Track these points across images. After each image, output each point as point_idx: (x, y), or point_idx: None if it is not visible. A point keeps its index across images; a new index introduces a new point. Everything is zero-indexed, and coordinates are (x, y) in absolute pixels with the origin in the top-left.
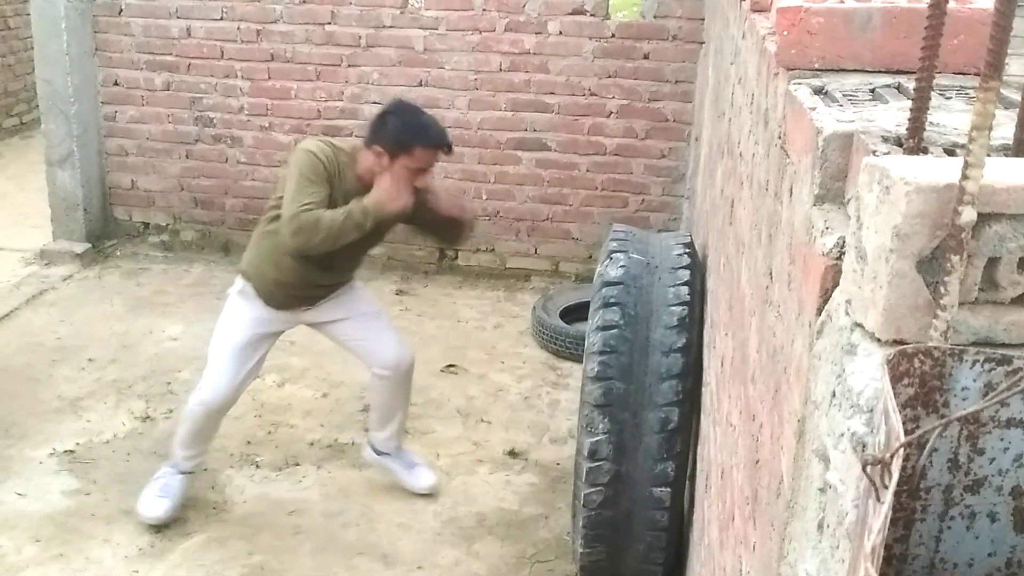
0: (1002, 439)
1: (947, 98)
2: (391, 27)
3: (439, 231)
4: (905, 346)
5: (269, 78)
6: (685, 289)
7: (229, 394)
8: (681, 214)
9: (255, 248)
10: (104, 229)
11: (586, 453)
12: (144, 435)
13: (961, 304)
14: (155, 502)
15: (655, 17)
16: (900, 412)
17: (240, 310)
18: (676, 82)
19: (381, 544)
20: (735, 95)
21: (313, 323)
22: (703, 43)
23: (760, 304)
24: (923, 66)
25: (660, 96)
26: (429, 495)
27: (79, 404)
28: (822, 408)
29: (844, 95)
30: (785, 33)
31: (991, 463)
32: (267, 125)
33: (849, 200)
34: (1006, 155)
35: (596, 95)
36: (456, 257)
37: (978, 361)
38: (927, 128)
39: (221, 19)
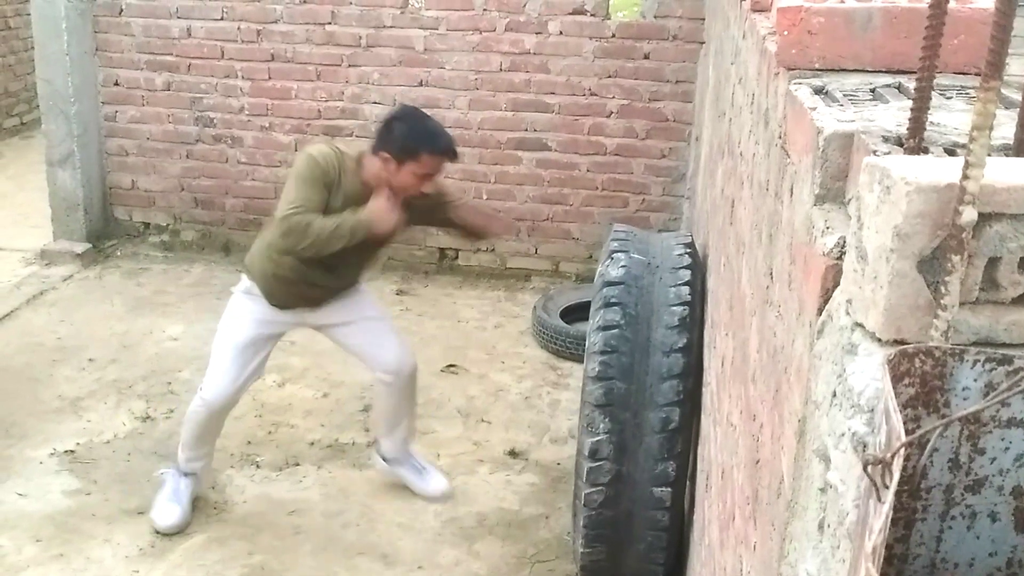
0: (1003, 439)
1: (948, 98)
2: (391, 27)
3: (462, 234)
4: (906, 346)
5: (269, 78)
6: (686, 289)
7: (231, 394)
8: (681, 214)
9: (261, 247)
10: (104, 229)
11: (587, 453)
12: (144, 435)
13: (962, 304)
14: (168, 509)
15: (655, 17)
16: (901, 412)
17: (244, 309)
18: (676, 82)
19: (381, 544)
20: (735, 95)
21: (317, 325)
22: (703, 43)
23: (761, 304)
24: (924, 66)
25: (660, 96)
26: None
27: (79, 404)
28: (823, 408)
29: (845, 95)
30: (785, 33)
31: (992, 463)
32: (267, 125)
33: (850, 200)
34: (1007, 155)
35: (596, 95)
36: (456, 257)
37: (979, 361)
38: (928, 128)
39: (221, 19)
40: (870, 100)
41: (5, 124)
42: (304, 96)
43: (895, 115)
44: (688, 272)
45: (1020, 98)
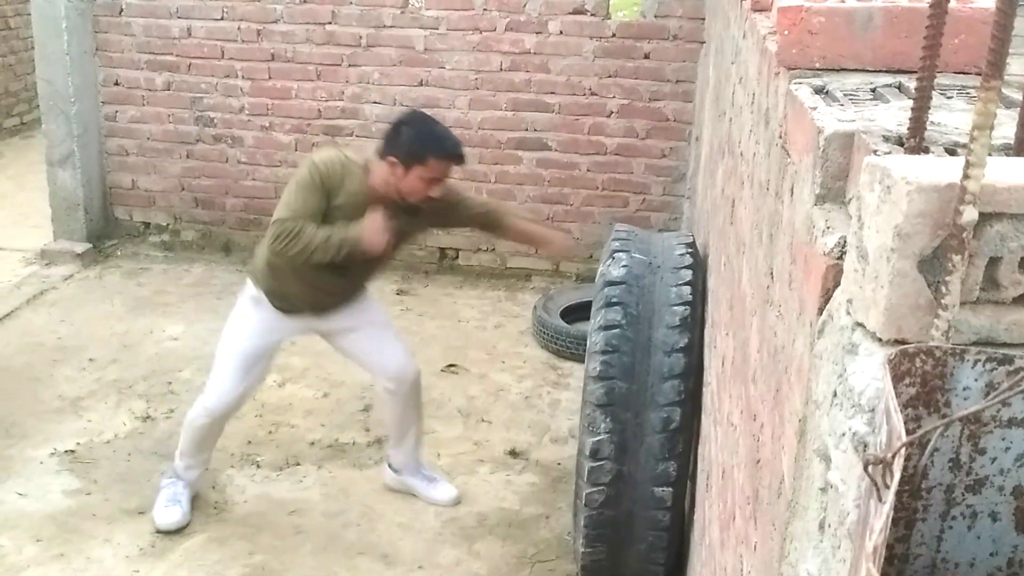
0: (1003, 439)
1: (948, 97)
2: (392, 27)
3: (515, 241)
4: (906, 346)
5: (270, 78)
6: (687, 289)
7: (234, 402)
8: (682, 214)
9: (264, 252)
10: (105, 229)
11: (588, 452)
12: (145, 435)
13: (962, 304)
14: (168, 510)
15: (656, 17)
16: (901, 412)
17: (251, 319)
18: (677, 82)
19: (382, 544)
20: (736, 95)
21: (322, 331)
22: (704, 43)
23: (761, 304)
24: (924, 65)
25: (661, 96)
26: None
27: (80, 404)
28: (823, 408)
29: (845, 95)
30: (786, 32)
31: (992, 463)
32: (268, 125)
33: (850, 200)
34: (1007, 155)
35: (597, 95)
36: (457, 257)
37: (979, 361)
38: (928, 127)
39: (222, 19)
40: (871, 100)
41: (5, 124)
42: (304, 96)
43: (896, 115)
44: (689, 272)
45: (1021, 98)
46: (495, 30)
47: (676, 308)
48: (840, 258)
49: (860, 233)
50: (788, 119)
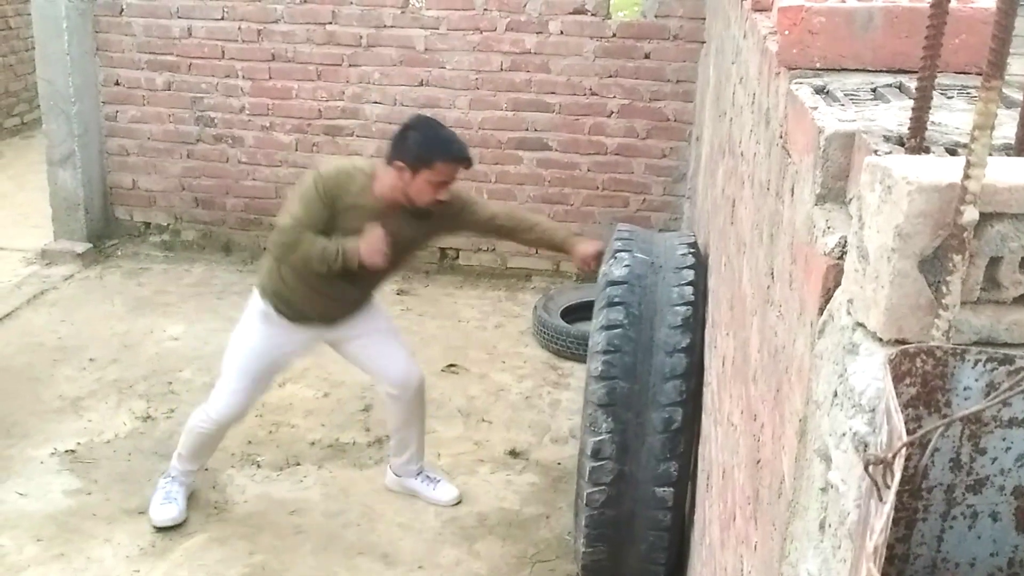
0: (1004, 439)
1: (949, 97)
2: (392, 27)
3: (540, 246)
4: (907, 346)
5: (270, 78)
6: (689, 289)
7: (239, 413)
8: (682, 214)
9: (271, 263)
10: (105, 229)
11: (589, 452)
12: (145, 435)
13: (963, 304)
14: (164, 508)
15: (656, 17)
16: (902, 412)
17: (260, 335)
18: (677, 82)
19: (382, 544)
20: (736, 95)
21: (330, 340)
22: (704, 43)
23: (761, 304)
24: (925, 65)
25: (661, 96)
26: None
27: (80, 404)
28: (824, 408)
29: (846, 94)
30: (786, 32)
31: (993, 463)
32: (268, 125)
33: (851, 200)
34: (1008, 154)
35: (597, 95)
36: (457, 257)
37: (980, 361)
38: (929, 127)
39: (222, 19)
40: (871, 100)
41: (6, 124)
42: (305, 96)
43: (896, 115)
44: (691, 272)
45: (1021, 98)
46: (495, 30)
47: (678, 308)
48: (841, 258)
49: (861, 233)
50: (789, 119)
